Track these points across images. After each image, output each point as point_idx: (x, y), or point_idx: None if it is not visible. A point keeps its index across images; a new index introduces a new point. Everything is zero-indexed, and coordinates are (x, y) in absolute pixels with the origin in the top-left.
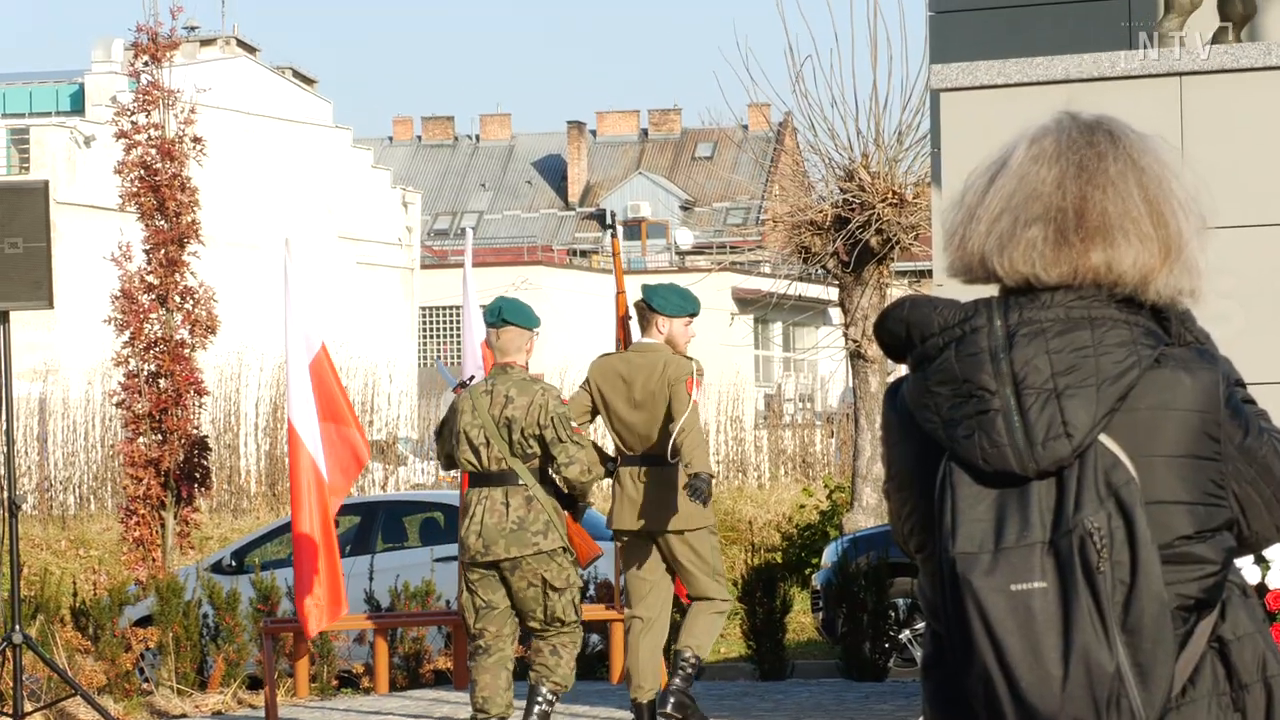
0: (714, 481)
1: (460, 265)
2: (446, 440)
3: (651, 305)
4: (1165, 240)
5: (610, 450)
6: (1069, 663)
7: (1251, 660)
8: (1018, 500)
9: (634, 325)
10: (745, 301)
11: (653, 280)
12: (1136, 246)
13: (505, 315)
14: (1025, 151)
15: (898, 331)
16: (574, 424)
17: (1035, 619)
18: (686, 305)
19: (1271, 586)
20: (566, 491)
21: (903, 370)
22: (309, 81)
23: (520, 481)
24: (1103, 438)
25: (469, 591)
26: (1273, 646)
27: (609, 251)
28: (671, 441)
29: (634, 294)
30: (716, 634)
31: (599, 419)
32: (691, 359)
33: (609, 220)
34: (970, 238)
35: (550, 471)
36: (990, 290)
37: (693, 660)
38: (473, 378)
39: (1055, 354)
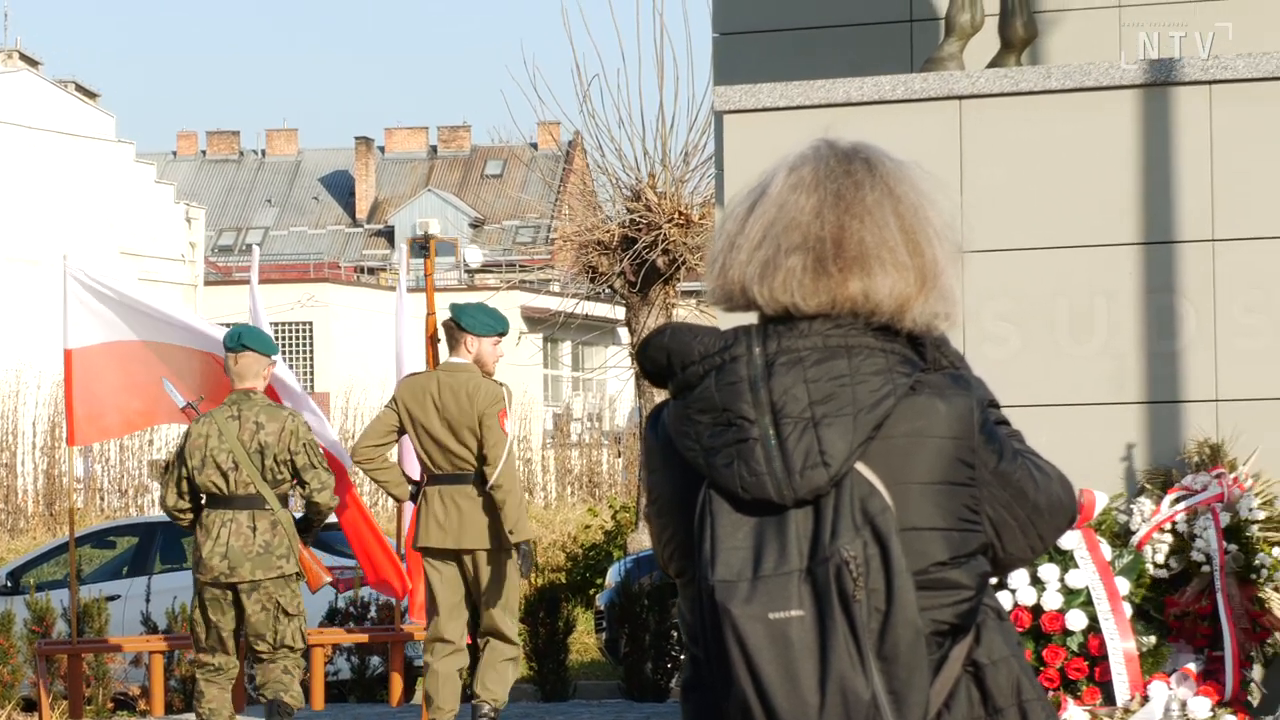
0: (534, 543)
1: (245, 282)
2: (176, 468)
3: (460, 324)
4: (921, 269)
5: (414, 472)
6: (825, 690)
7: (1006, 684)
8: (776, 528)
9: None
10: (534, 320)
11: (441, 299)
12: (893, 275)
13: (244, 340)
14: (784, 180)
15: (659, 359)
16: (377, 443)
17: (792, 647)
18: (495, 325)
19: (1047, 608)
20: (306, 515)
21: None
22: (92, 95)
23: (266, 506)
24: (859, 466)
25: (201, 611)
26: (1027, 670)
27: (396, 268)
28: (489, 485)
29: (424, 312)
30: (511, 682)
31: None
32: (501, 384)
33: (422, 242)
34: (731, 266)
35: (302, 496)
36: (751, 318)
37: (491, 714)
38: (201, 399)
39: (813, 383)
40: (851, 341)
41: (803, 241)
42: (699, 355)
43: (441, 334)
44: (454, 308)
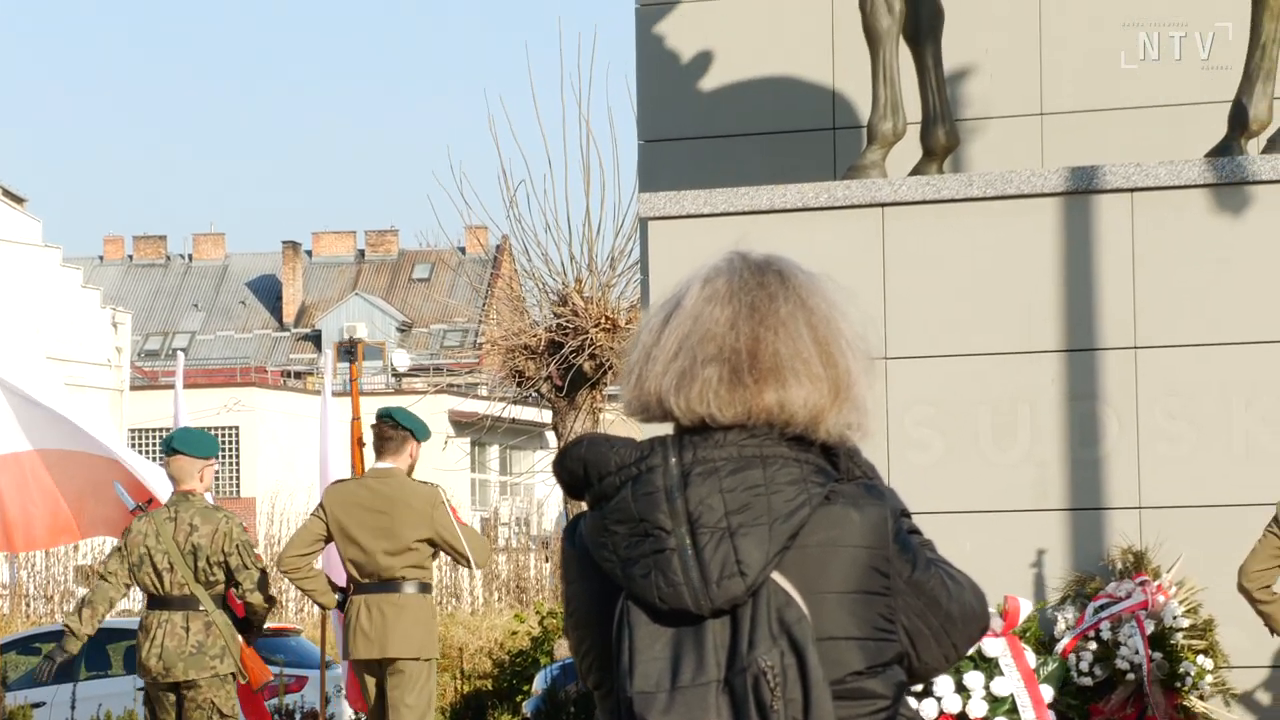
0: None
1: (171, 386)
2: (120, 565)
3: (412, 430)
4: (835, 379)
5: (340, 580)
6: None
7: None
8: (694, 639)
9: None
10: (462, 424)
11: (369, 403)
12: (807, 386)
13: (174, 444)
14: (699, 291)
15: (575, 470)
16: (303, 552)
17: None
18: (425, 430)
19: (972, 716)
20: (244, 617)
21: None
22: (18, 200)
23: (201, 607)
24: (775, 575)
25: (148, 708)
26: None
27: (323, 372)
28: (474, 566)
29: (349, 416)
30: None
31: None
32: (435, 485)
33: (349, 346)
34: (647, 377)
35: (238, 597)
36: (667, 428)
37: None
38: (150, 501)
39: (729, 492)
40: (766, 452)
41: (718, 353)
42: (615, 466)
43: (368, 438)
44: (396, 411)
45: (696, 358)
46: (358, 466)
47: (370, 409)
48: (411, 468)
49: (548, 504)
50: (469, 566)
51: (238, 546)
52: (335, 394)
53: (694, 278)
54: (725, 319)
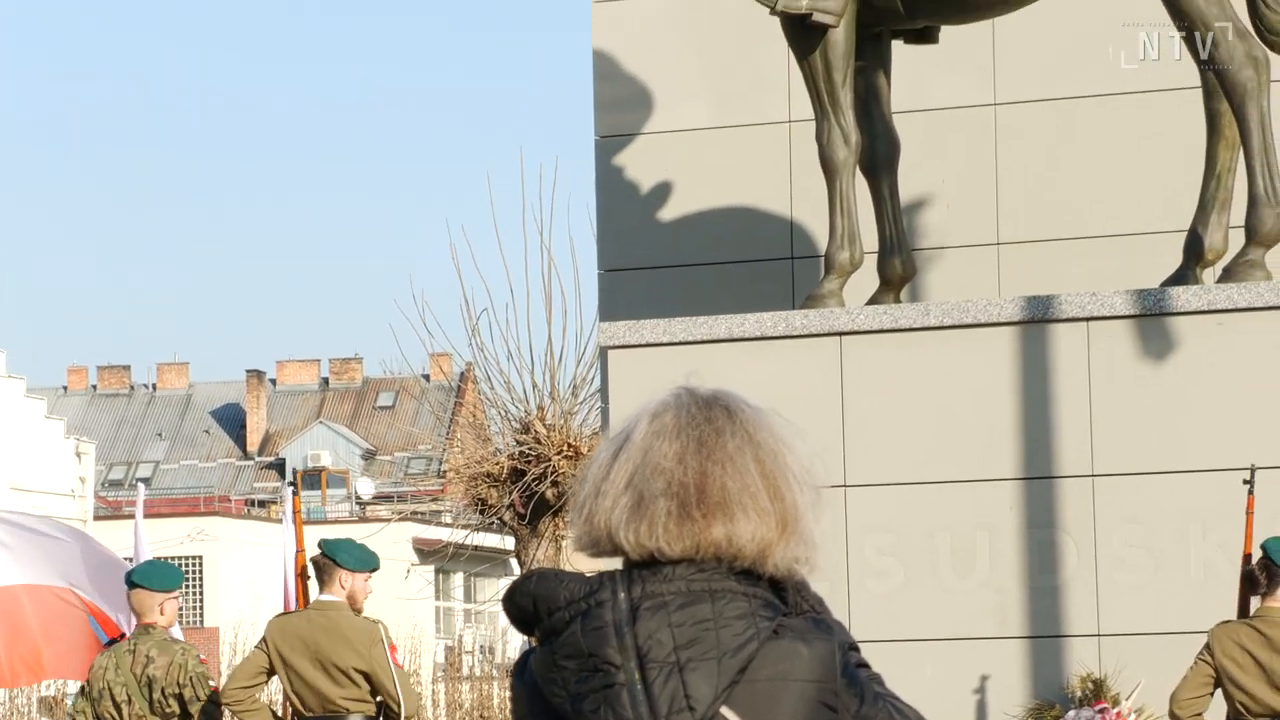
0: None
1: (134, 516)
2: (85, 703)
3: (335, 560)
4: (782, 513)
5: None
6: None
7: None
8: None
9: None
10: (426, 552)
11: (334, 531)
12: (755, 520)
13: (133, 577)
14: (647, 427)
15: (525, 605)
16: (246, 684)
17: None
18: (368, 560)
19: None
20: None
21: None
22: None
23: None
24: (724, 710)
25: None
26: None
27: (284, 500)
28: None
29: (311, 548)
30: None
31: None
32: (376, 621)
33: (289, 477)
34: (597, 512)
35: None
36: (617, 562)
37: None
38: (122, 636)
39: (678, 627)
40: (715, 586)
41: (666, 487)
42: (565, 601)
43: (311, 571)
44: (325, 543)
45: (645, 492)
46: (300, 599)
47: (339, 535)
48: (355, 598)
49: (512, 632)
50: (397, 711)
51: (192, 678)
52: (307, 522)
53: (642, 412)
54: (673, 454)
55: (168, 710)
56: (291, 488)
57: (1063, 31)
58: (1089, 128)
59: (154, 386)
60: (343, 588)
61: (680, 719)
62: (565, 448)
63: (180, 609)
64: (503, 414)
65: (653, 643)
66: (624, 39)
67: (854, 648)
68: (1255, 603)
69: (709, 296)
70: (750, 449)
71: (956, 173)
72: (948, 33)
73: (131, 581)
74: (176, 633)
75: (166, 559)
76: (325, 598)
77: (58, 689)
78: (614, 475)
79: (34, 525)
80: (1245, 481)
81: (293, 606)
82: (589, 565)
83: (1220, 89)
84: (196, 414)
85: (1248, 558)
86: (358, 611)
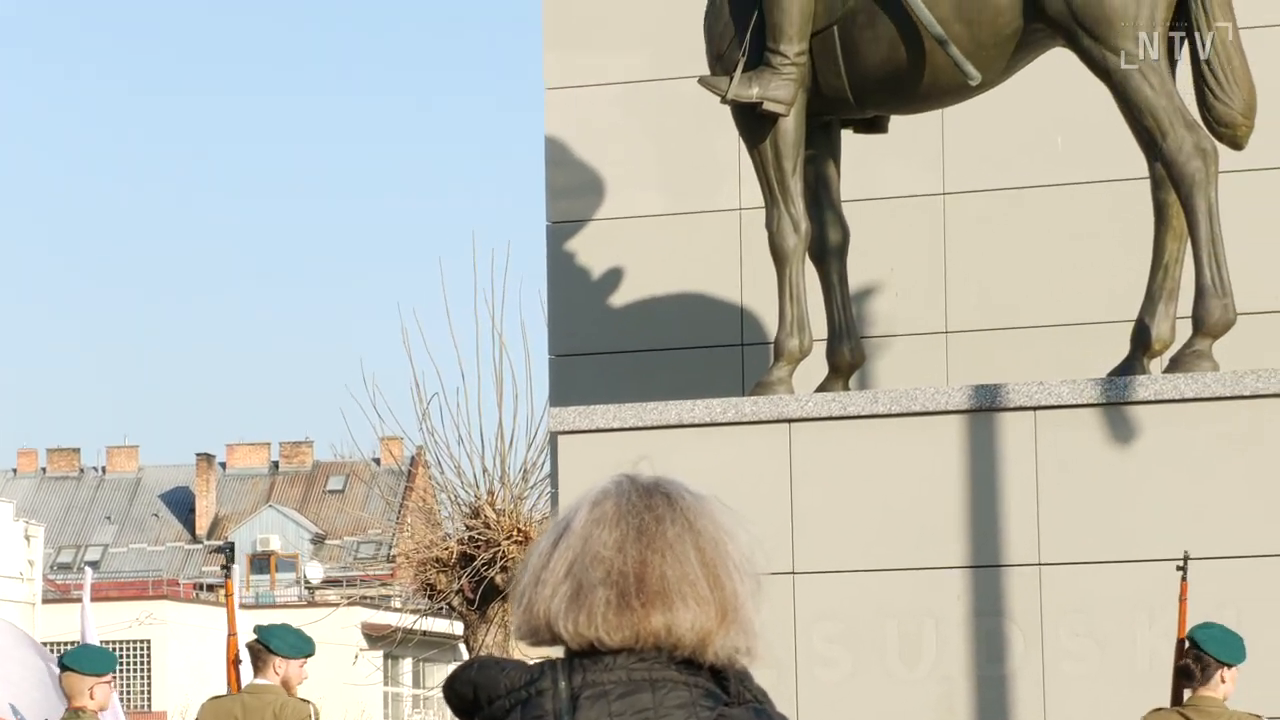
0: None
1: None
2: None
3: (268, 646)
4: (721, 602)
5: None
6: None
7: None
8: None
9: (245, 667)
10: (375, 637)
11: (283, 616)
12: (694, 609)
13: (64, 660)
14: (587, 515)
15: (465, 693)
16: None
17: None
18: (303, 646)
19: None
20: None
21: None
22: None
23: None
24: None
25: None
26: None
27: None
28: None
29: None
30: None
31: None
32: (308, 702)
33: (231, 560)
34: (536, 601)
35: None
36: (558, 651)
37: None
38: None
39: (617, 717)
40: (655, 675)
41: (606, 576)
42: (505, 689)
43: (244, 655)
44: (259, 629)
45: (585, 581)
46: (233, 684)
47: (293, 621)
48: (289, 684)
49: None
50: None
51: None
52: (244, 606)
53: (583, 500)
54: (613, 542)
55: None
56: (225, 571)
57: (1011, 121)
58: (1037, 217)
59: (103, 469)
60: (277, 673)
61: None
62: (515, 533)
63: (121, 693)
64: (453, 498)
65: None
66: (576, 125)
67: None
68: (1188, 693)
69: (659, 382)
70: (690, 537)
71: (905, 261)
72: (897, 122)
73: (63, 665)
74: (109, 718)
75: (114, 643)
76: (259, 681)
77: None
78: (553, 564)
79: None
80: (1179, 568)
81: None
82: (537, 652)
83: (1168, 180)
84: (146, 497)
85: (1181, 643)
86: (292, 695)
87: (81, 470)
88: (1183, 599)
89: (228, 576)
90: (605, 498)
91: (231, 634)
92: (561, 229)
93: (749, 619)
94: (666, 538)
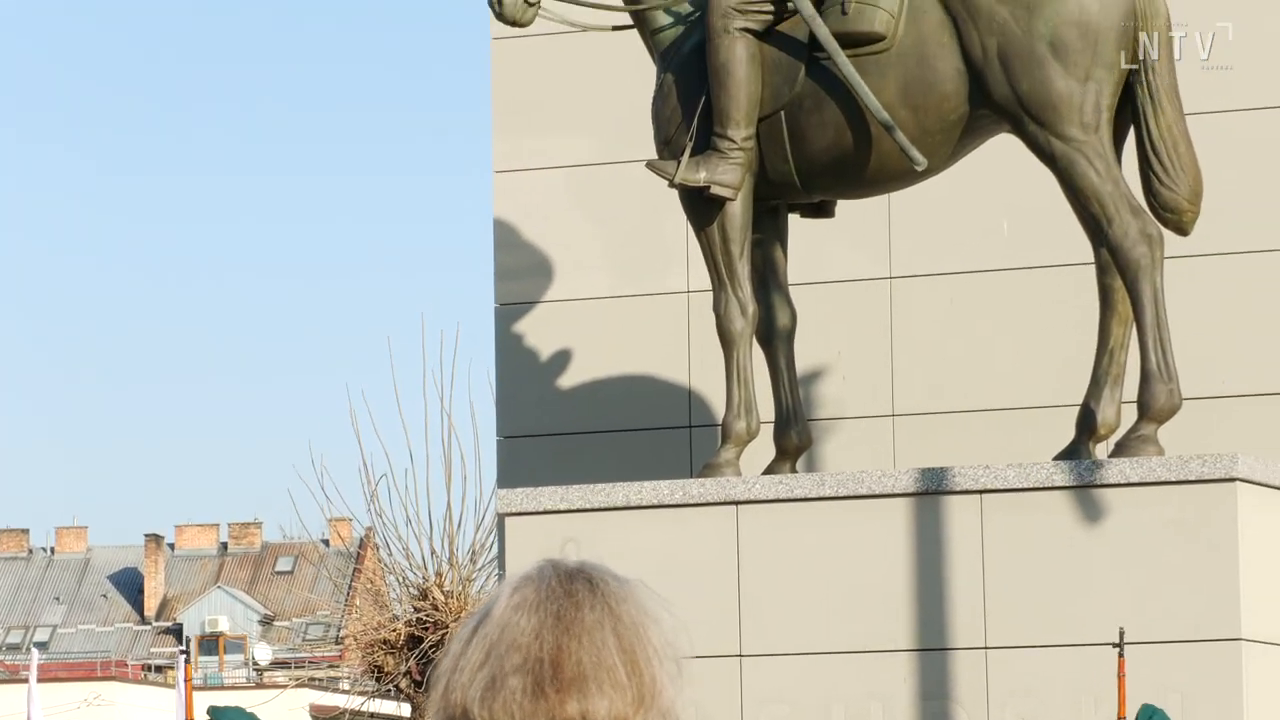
0: None
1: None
2: None
3: None
4: (640, 688)
5: None
6: None
7: None
8: None
9: None
10: (323, 719)
11: (230, 697)
12: (610, 695)
13: None
14: (507, 600)
15: None
16: None
17: None
18: None
19: None
20: None
21: None
22: None
23: None
24: None
25: None
26: None
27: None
28: None
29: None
30: None
31: None
32: None
33: (184, 644)
34: (454, 688)
35: None
36: None
37: None
38: None
39: None
40: None
41: (523, 663)
42: None
43: None
44: (214, 710)
45: (502, 667)
46: None
47: (235, 701)
48: None
49: None
50: None
51: None
52: (197, 688)
53: (505, 586)
54: (531, 628)
55: None
56: (184, 655)
57: (956, 206)
58: (983, 301)
59: (52, 550)
60: None
61: None
62: (463, 614)
63: None
64: (401, 580)
65: None
66: (524, 208)
67: None
68: None
69: (607, 464)
70: (610, 622)
71: (852, 344)
72: (843, 207)
73: None
74: None
75: None
76: None
77: None
78: (471, 650)
79: None
80: (1115, 645)
81: None
82: None
83: (1114, 265)
84: (95, 578)
85: None
86: None
87: (30, 550)
88: (1121, 676)
89: (187, 661)
90: (526, 583)
91: (187, 718)
92: (510, 310)
93: (668, 705)
94: (585, 624)
